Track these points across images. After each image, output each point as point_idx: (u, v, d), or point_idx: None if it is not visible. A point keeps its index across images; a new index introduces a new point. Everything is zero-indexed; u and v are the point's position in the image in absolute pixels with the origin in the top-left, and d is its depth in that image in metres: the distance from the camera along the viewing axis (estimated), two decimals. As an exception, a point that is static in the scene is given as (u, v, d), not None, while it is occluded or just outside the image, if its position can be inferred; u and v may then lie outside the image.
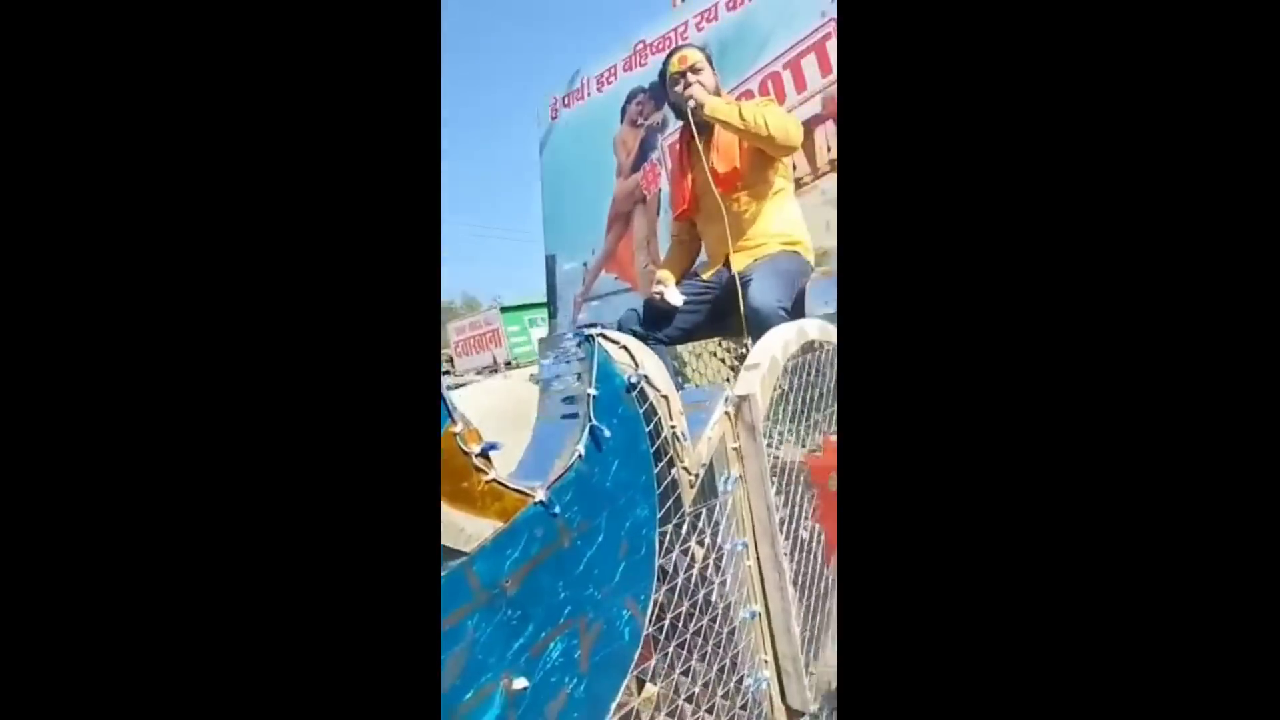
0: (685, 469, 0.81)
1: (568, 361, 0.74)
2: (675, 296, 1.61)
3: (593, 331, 0.72)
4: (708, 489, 0.86)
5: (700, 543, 0.83)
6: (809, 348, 1.06)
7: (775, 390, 0.94)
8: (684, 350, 1.86)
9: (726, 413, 0.89)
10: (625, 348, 0.76)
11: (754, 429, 0.90)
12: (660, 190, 2.18)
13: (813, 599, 0.95)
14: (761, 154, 1.57)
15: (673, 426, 0.80)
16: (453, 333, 10.75)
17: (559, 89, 2.57)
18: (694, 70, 1.63)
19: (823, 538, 1.01)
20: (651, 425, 0.78)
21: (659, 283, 1.67)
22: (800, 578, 0.94)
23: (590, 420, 0.70)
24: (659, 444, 0.78)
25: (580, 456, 0.68)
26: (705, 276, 1.68)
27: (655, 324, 1.65)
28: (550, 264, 2.61)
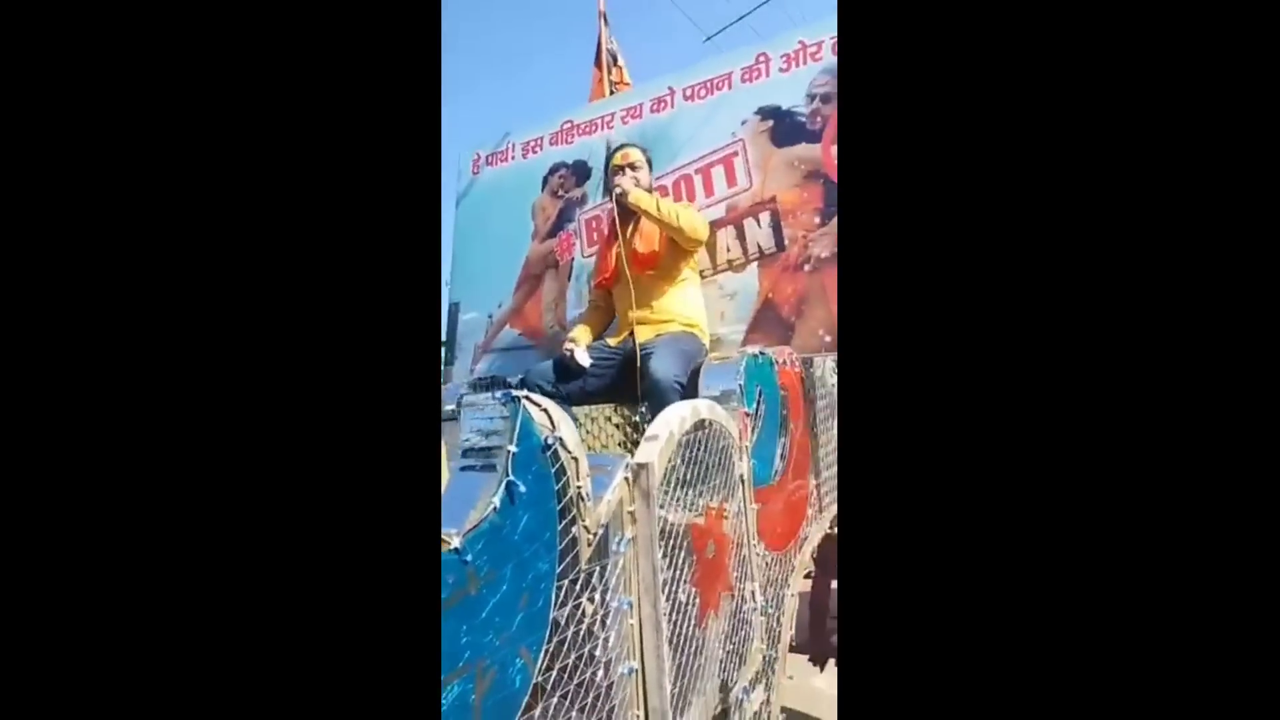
0: (586, 527, 0.88)
1: (491, 418, 0.80)
2: (584, 358, 1.71)
3: (518, 393, 0.79)
4: (602, 548, 0.93)
5: (591, 599, 0.89)
6: (700, 425, 1.19)
7: (669, 462, 1.05)
8: (579, 412, 1.94)
9: (626, 478, 0.98)
10: (545, 410, 0.83)
11: (649, 495, 0.99)
12: (573, 259, 2.30)
13: (684, 658, 1.03)
14: (676, 244, 1.77)
15: (579, 487, 0.87)
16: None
17: (485, 146, 2.67)
18: (633, 167, 1.87)
19: (698, 601, 1.10)
20: (560, 484, 0.84)
21: (572, 340, 1.77)
22: (675, 638, 1.02)
23: (508, 475, 0.76)
24: (564, 502, 0.85)
25: (495, 509, 0.73)
26: (612, 343, 1.79)
27: (564, 380, 1.73)
28: (453, 311, 2.62)
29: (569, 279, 2.31)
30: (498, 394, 0.78)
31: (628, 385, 1.70)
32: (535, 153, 2.53)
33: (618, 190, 1.78)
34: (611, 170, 1.88)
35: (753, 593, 1.36)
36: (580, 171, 2.36)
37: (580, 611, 0.87)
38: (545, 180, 2.46)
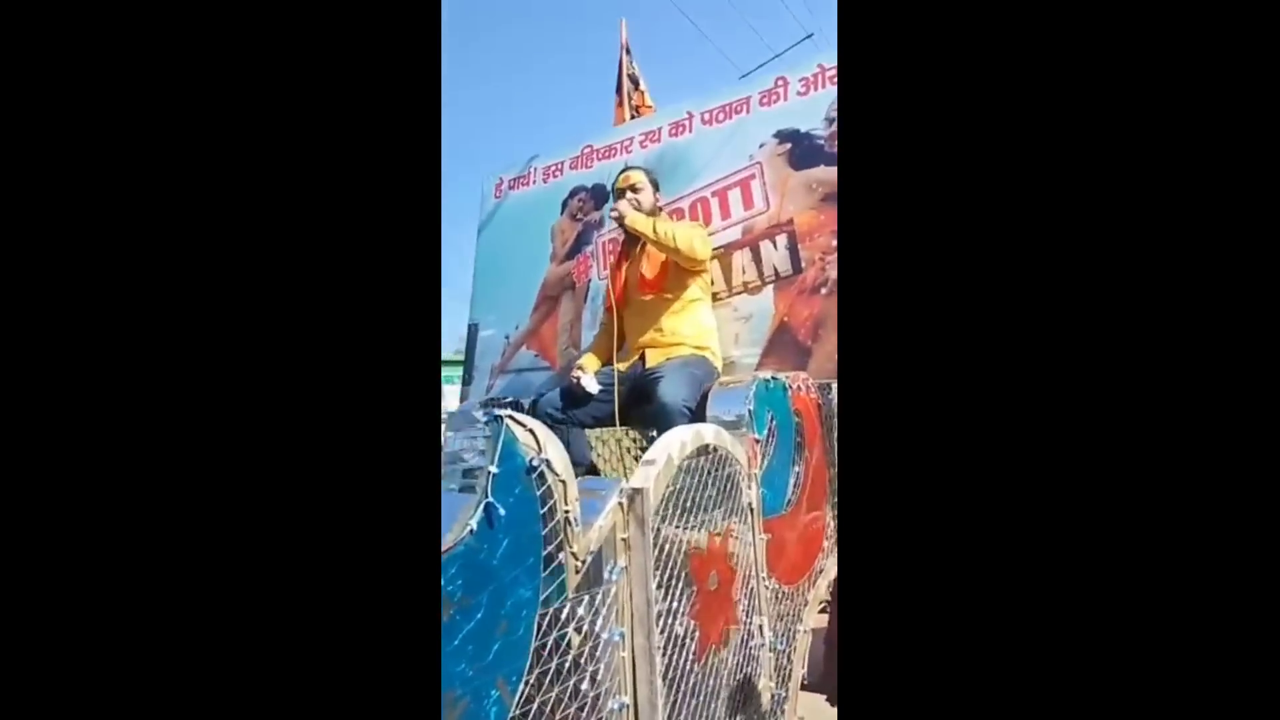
0: (573, 554, 0.85)
1: (473, 437, 0.78)
2: (592, 384, 1.69)
3: (502, 412, 0.77)
4: (593, 576, 0.90)
5: (578, 629, 0.85)
6: (703, 450, 1.15)
7: (668, 487, 1.01)
8: (592, 435, 1.91)
9: (620, 503, 0.95)
10: (531, 431, 0.81)
11: (644, 522, 0.95)
12: (590, 280, 2.30)
13: (679, 694, 0.98)
14: (681, 266, 1.75)
15: (567, 511, 0.84)
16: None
17: (509, 171, 2.72)
18: (634, 189, 1.87)
19: (697, 634, 1.05)
20: (546, 508, 0.82)
21: (579, 368, 1.75)
22: (670, 672, 0.97)
23: (487, 497, 0.73)
24: (551, 527, 0.82)
25: (471, 531, 0.71)
26: (621, 368, 1.77)
27: (572, 406, 1.71)
28: (472, 331, 2.64)
29: (585, 300, 2.30)
30: (479, 413, 0.76)
31: (637, 410, 1.67)
32: (556, 176, 2.56)
33: (614, 214, 1.78)
34: (615, 195, 1.88)
35: (760, 627, 1.30)
36: (599, 195, 2.37)
37: (566, 642, 0.83)
38: (564, 204, 2.48)
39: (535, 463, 0.80)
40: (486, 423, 0.76)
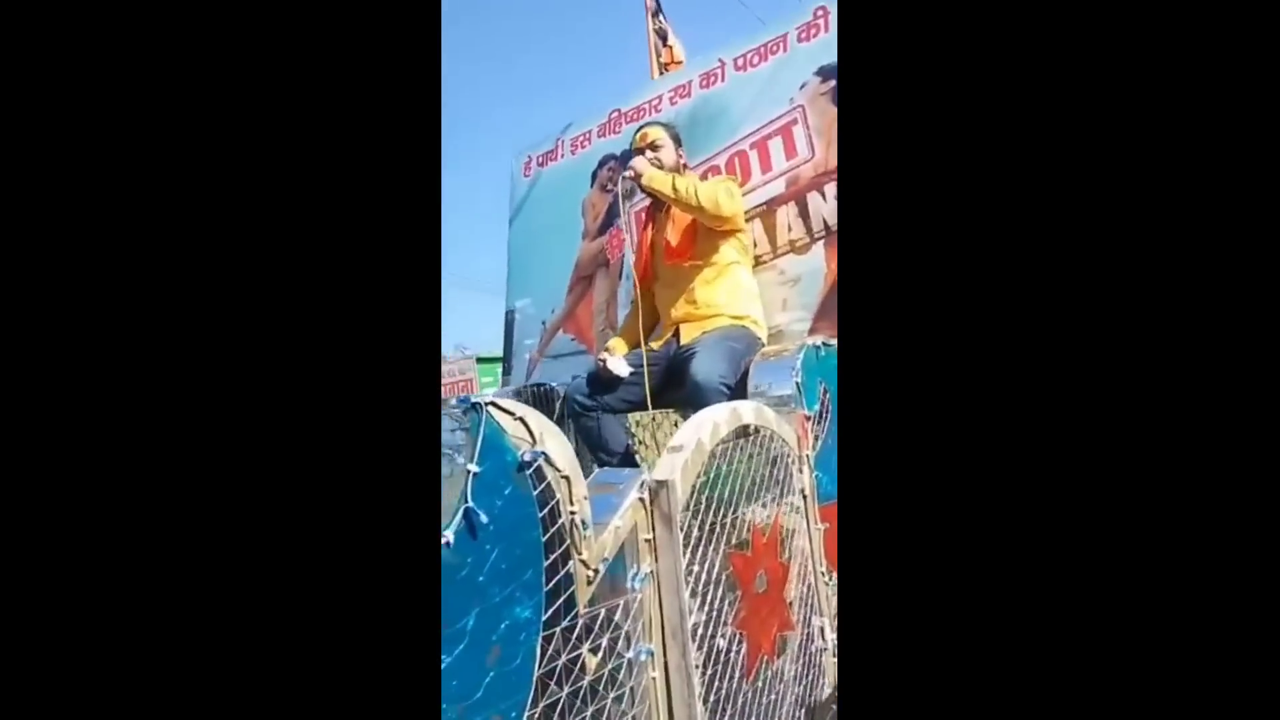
0: (584, 562, 0.72)
1: (452, 431, 0.65)
2: (619, 367, 1.55)
3: (483, 399, 0.64)
4: (611, 587, 0.77)
5: (594, 650, 0.73)
6: (743, 432, 0.99)
7: (699, 477, 0.86)
8: (632, 419, 1.78)
9: (641, 499, 0.81)
10: (522, 419, 0.68)
11: (671, 520, 0.81)
12: (623, 256, 2.15)
13: (725, 718, 0.84)
14: (710, 229, 1.57)
15: (573, 513, 0.71)
16: (445, 374, 10.66)
17: (538, 148, 2.59)
18: (653, 147, 1.70)
19: (744, 647, 0.91)
20: (546, 510, 0.69)
21: (606, 351, 1.62)
22: (713, 694, 0.83)
23: (466, 501, 0.61)
24: (553, 532, 0.69)
25: (448, 544, 0.59)
26: (654, 346, 1.62)
27: (601, 392, 1.58)
28: (509, 319, 2.55)
29: (620, 278, 2.16)
30: (453, 401, 0.64)
31: (674, 392, 1.52)
32: (584, 147, 2.42)
33: (628, 174, 1.61)
34: (633, 154, 1.70)
35: (821, 629, 1.14)
36: (628, 162, 2.21)
37: (580, 667, 0.70)
38: (594, 175, 2.34)
39: (529, 458, 0.67)
40: (463, 412, 0.64)
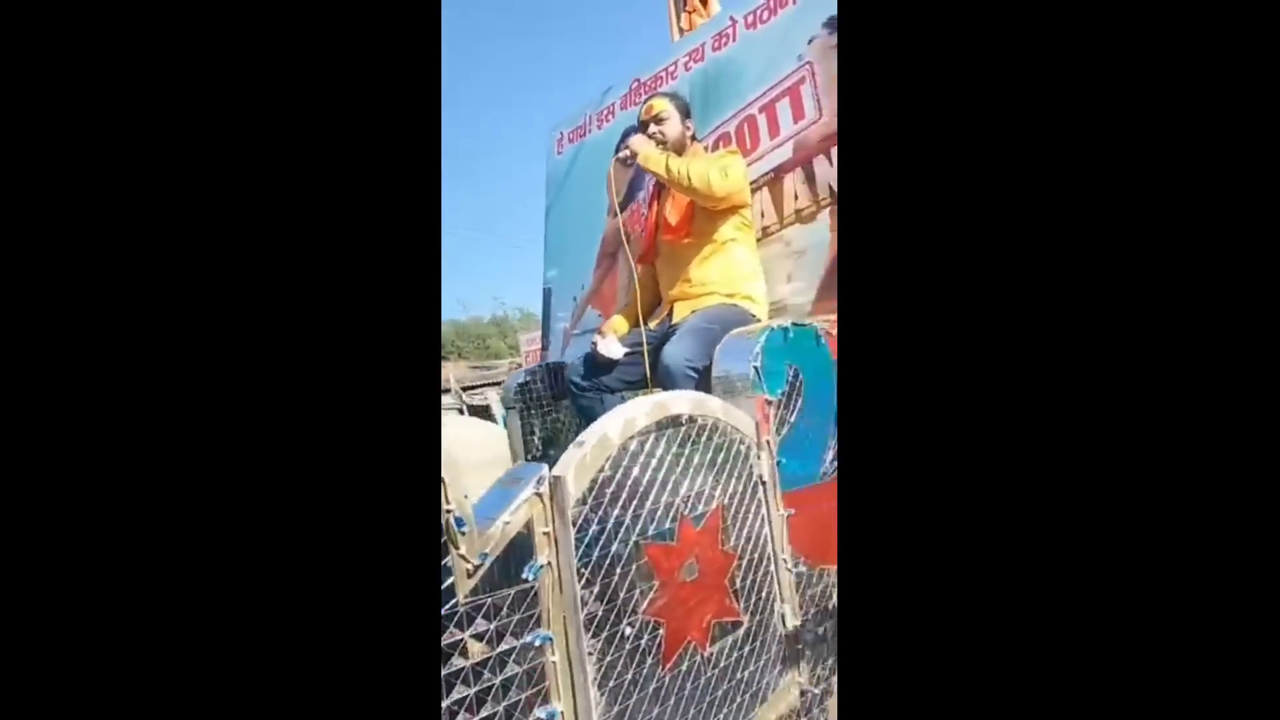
0: (463, 556, 0.77)
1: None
2: (612, 349, 1.57)
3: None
4: (500, 577, 0.81)
5: (478, 636, 0.78)
6: (671, 423, 0.99)
7: (602, 472, 0.88)
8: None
9: (539, 494, 0.84)
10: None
11: (566, 514, 0.84)
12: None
13: (630, 703, 0.87)
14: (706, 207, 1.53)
15: (449, 511, 0.75)
16: (524, 343, 11.24)
17: (571, 123, 2.60)
18: (658, 120, 1.65)
19: (661, 634, 0.92)
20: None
21: (599, 333, 1.64)
22: (613, 679, 0.86)
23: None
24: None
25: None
26: (653, 325, 1.62)
27: (597, 373, 1.61)
28: (546, 295, 2.62)
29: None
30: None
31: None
32: (610, 120, 2.40)
33: (624, 153, 1.58)
34: (640, 128, 1.67)
35: (783, 617, 1.13)
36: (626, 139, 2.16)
37: (459, 652, 0.76)
38: (617, 148, 2.32)
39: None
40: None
